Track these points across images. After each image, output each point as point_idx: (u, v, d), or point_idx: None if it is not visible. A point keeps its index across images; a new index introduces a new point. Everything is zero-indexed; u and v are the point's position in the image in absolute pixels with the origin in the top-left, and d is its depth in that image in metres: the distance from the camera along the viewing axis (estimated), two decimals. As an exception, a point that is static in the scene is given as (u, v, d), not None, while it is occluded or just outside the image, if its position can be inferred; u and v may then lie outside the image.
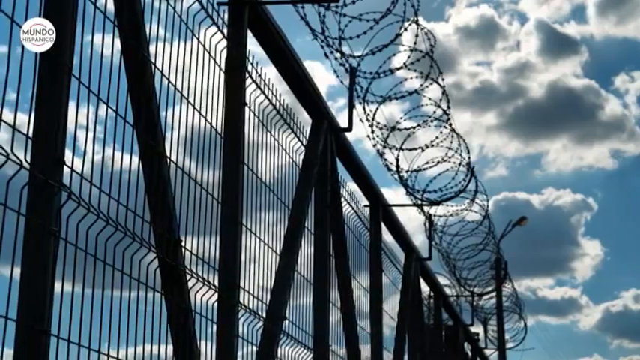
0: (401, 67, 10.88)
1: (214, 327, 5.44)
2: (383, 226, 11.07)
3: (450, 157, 12.74)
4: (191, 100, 5.18)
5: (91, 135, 4.10)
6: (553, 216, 59.93)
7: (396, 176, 12.11)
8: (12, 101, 3.54)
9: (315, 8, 8.60)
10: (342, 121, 8.46)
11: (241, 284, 5.75)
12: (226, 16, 5.85)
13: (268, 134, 6.66)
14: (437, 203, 13.31)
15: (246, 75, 6.04)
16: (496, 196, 50.58)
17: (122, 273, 4.24)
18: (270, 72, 6.74)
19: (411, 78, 11.54)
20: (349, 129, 8.53)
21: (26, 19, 3.70)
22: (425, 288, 14.62)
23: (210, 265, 5.36)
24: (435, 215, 14.97)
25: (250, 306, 5.88)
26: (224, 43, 5.76)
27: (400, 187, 12.34)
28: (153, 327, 4.59)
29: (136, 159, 4.60)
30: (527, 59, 60.52)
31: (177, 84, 4.98)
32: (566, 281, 63.82)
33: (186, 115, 5.13)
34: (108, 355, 4.12)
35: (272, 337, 6.38)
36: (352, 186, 9.65)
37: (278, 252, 6.74)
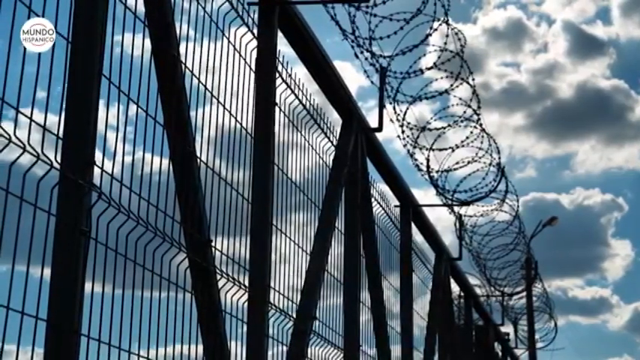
0: (431, 67, 10.83)
1: (244, 327, 5.44)
2: (413, 226, 11.04)
3: (480, 158, 12.69)
4: (221, 99, 5.17)
5: (121, 135, 4.12)
6: (583, 216, 59.49)
7: (427, 176, 12.07)
8: (42, 101, 3.54)
9: (345, 8, 8.59)
10: (372, 121, 8.45)
11: (272, 284, 5.74)
12: (256, 16, 5.84)
13: (298, 134, 6.65)
14: (467, 203, 13.24)
15: (277, 75, 6.03)
16: (525, 196, 49.97)
17: (152, 273, 4.24)
18: (300, 72, 6.74)
19: (441, 78, 11.49)
20: (379, 129, 8.51)
21: (56, 20, 3.70)
22: (455, 288, 14.58)
23: (240, 265, 5.36)
24: (465, 215, 14.94)
25: (280, 306, 5.87)
26: (254, 43, 5.75)
27: (430, 187, 12.30)
28: (183, 327, 4.59)
29: (166, 159, 4.60)
30: (555, 60, 60.12)
31: (207, 84, 4.98)
32: (597, 281, 63.39)
33: (217, 115, 5.13)
34: (138, 355, 4.12)
35: (302, 337, 6.36)
36: (382, 186, 9.64)
37: (308, 252, 6.73)
